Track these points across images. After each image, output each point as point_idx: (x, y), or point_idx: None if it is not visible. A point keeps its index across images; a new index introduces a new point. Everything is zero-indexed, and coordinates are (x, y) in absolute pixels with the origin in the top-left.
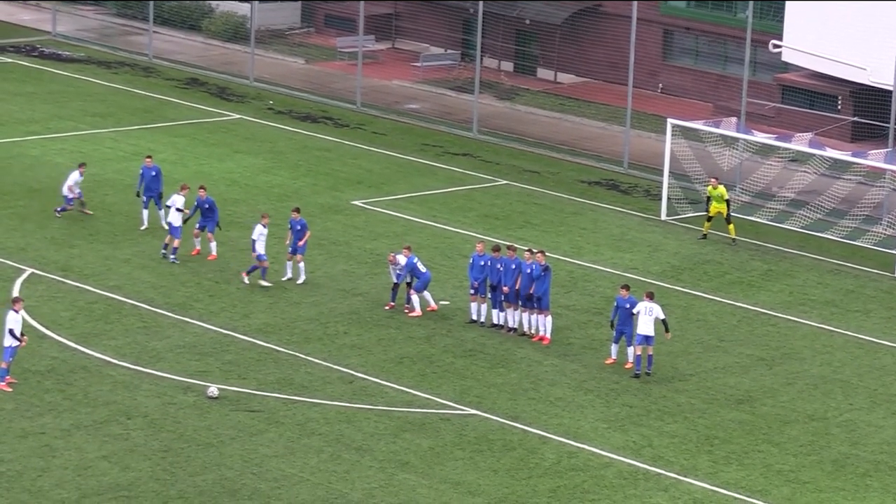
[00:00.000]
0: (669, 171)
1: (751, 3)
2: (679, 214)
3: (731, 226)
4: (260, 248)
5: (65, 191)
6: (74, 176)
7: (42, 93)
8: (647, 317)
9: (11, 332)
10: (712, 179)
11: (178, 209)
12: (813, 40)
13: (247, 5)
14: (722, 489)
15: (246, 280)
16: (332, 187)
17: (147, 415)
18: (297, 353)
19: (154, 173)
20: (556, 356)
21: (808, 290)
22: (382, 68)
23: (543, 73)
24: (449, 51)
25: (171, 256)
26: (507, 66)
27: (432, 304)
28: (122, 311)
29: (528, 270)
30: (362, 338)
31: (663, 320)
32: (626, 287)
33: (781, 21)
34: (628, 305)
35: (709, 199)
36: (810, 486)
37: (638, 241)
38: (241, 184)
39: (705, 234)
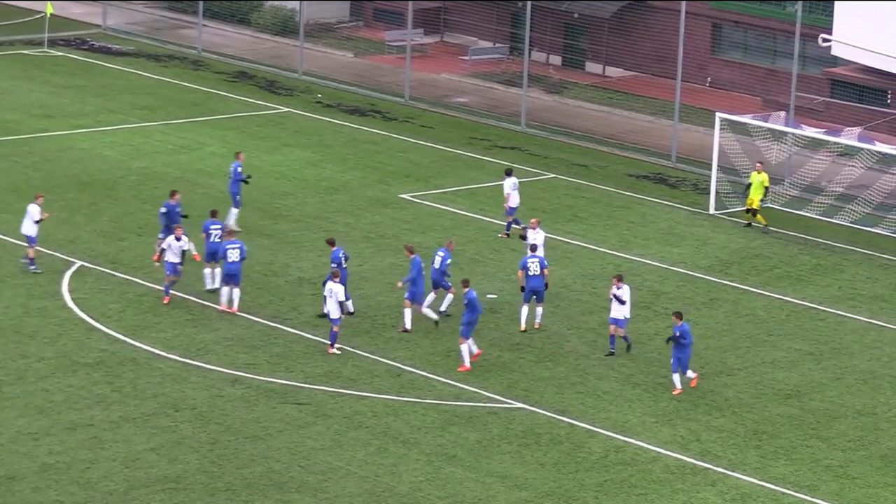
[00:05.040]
0: (718, 165)
1: None
2: (728, 209)
3: (759, 215)
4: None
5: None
6: None
7: (92, 86)
8: (618, 302)
9: (341, 303)
10: (758, 164)
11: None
12: (862, 34)
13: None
14: (770, 484)
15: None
16: (381, 181)
17: (195, 407)
18: (345, 346)
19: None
20: (603, 350)
21: (858, 284)
22: (431, 62)
23: (592, 66)
24: (497, 44)
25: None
26: (556, 59)
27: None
28: (171, 303)
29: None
30: (409, 331)
31: (626, 301)
32: (679, 315)
33: (831, 15)
34: (678, 333)
35: (748, 186)
36: (859, 482)
37: (686, 235)
38: (290, 177)
39: (766, 225)
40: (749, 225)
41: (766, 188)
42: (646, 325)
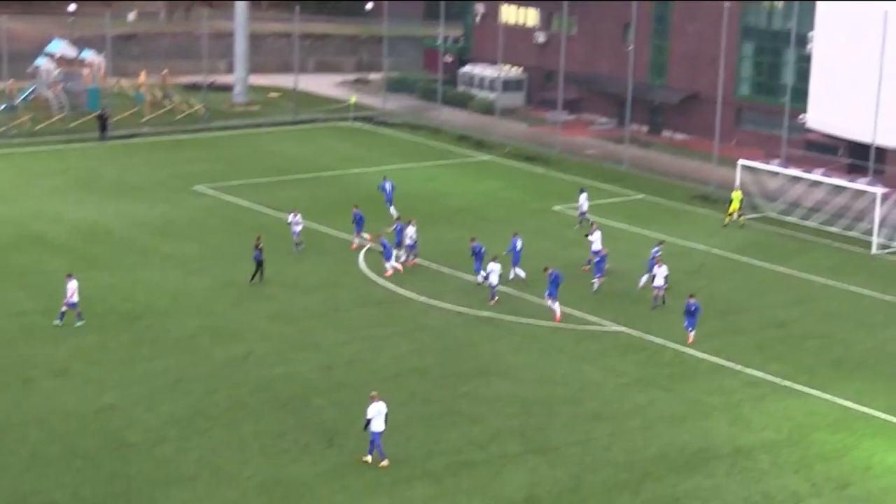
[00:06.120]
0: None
1: (788, 91)
2: (746, 216)
3: (742, 217)
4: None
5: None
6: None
7: (376, 143)
8: (660, 275)
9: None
10: (737, 187)
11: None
12: (826, 114)
13: (495, 93)
14: (768, 376)
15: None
16: (541, 198)
17: (434, 328)
18: (522, 295)
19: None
20: (670, 297)
21: (820, 260)
22: (572, 130)
23: (666, 132)
24: (610, 119)
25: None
26: (644, 128)
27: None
28: (418, 270)
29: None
30: (560, 287)
31: (666, 276)
32: (692, 294)
33: (806, 101)
34: (693, 308)
35: (731, 200)
36: (820, 375)
37: (719, 232)
38: (489, 196)
39: (728, 222)
40: (727, 225)
41: (741, 200)
42: (695, 283)
